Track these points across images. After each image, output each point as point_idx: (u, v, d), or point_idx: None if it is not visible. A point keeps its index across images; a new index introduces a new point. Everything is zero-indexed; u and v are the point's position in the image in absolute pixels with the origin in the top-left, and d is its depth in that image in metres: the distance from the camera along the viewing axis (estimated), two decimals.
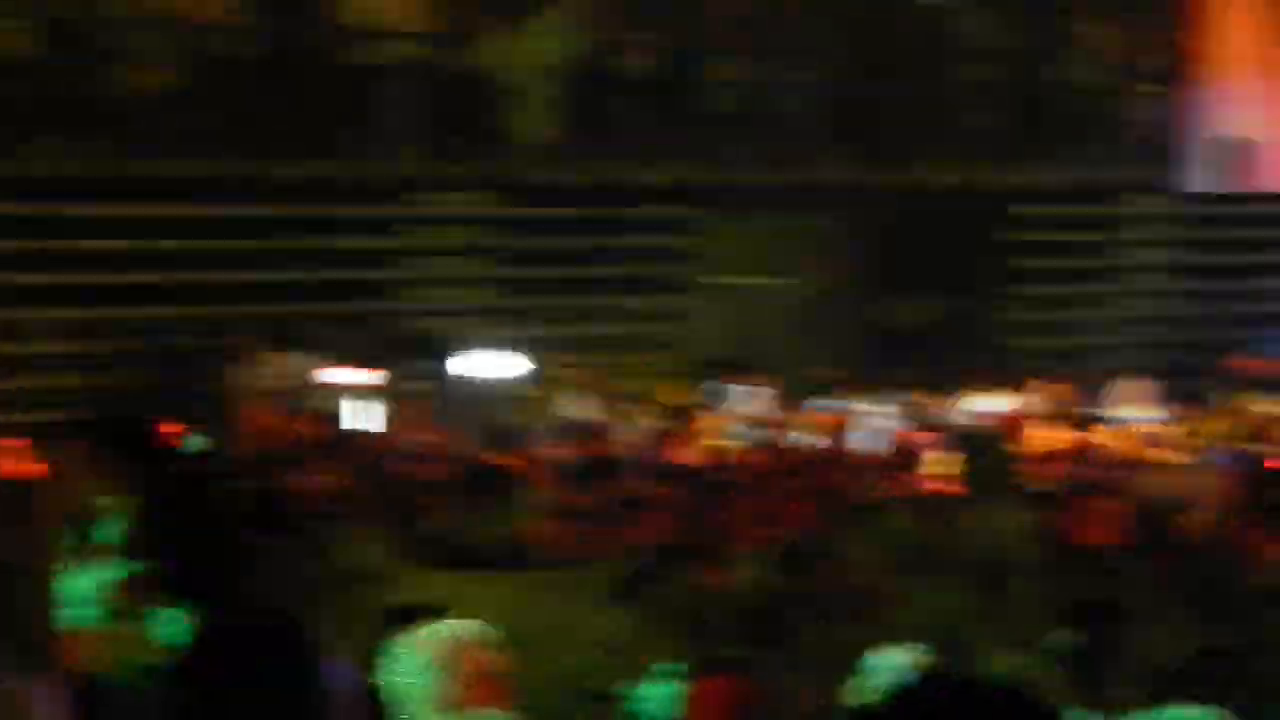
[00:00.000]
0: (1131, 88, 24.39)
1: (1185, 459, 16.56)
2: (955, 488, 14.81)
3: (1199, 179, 24.44)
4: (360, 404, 17.82)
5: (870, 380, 19.77)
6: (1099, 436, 17.32)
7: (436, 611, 6.09)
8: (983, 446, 16.09)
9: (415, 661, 5.06)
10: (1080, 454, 16.36)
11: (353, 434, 17.11)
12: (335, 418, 17.46)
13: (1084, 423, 18.17)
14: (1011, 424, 18.08)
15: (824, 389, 19.50)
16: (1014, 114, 23.36)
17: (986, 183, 23.25)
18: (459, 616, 5.47)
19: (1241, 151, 24.64)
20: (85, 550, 7.28)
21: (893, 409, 18.48)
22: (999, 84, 23.50)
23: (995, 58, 23.63)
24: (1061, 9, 24.14)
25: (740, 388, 19.40)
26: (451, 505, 14.00)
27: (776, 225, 21.98)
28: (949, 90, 23.24)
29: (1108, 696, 6.36)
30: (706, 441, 16.70)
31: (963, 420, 18.59)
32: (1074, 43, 24.21)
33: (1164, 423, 18.55)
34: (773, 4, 22.75)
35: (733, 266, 22.28)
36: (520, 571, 11.27)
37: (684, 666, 6.50)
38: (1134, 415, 19.17)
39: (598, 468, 14.81)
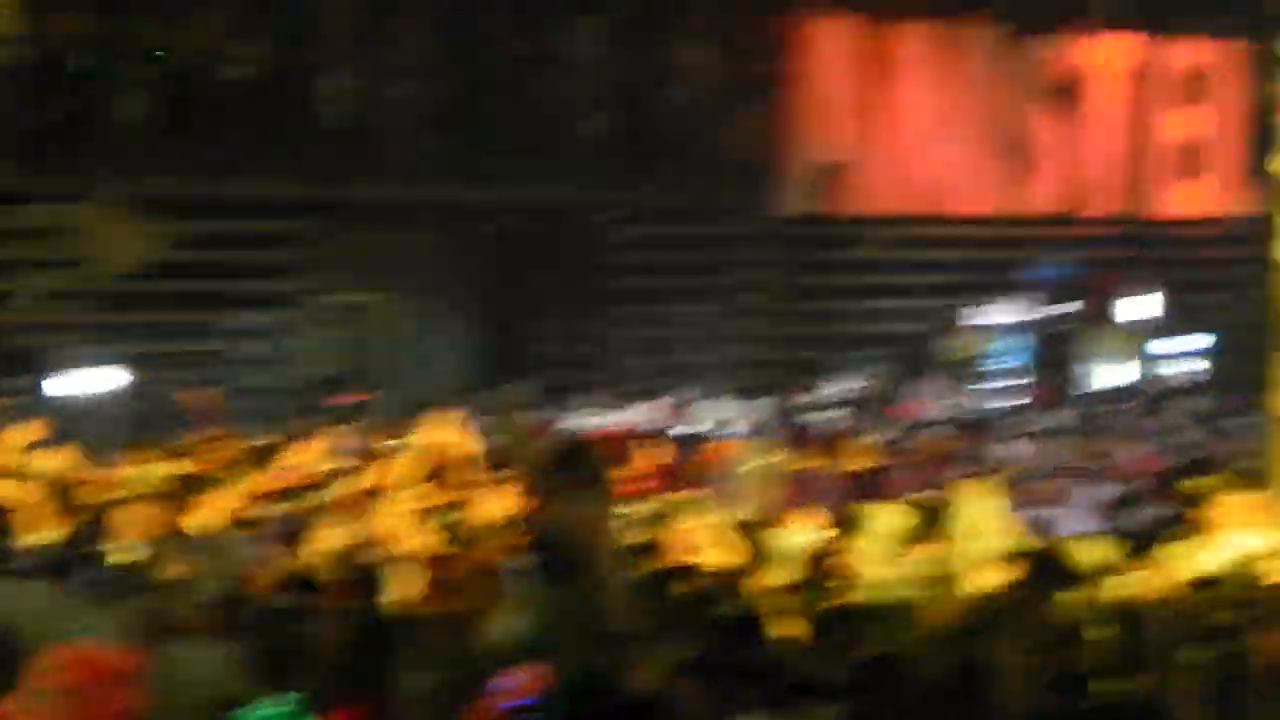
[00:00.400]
0: (731, 111, 24.87)
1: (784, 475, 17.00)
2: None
3: (795, 201, 25.12)
4: None
5: (479, 397, 19.88)
6: (697, 454, 17.69)
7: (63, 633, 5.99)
8: (581, 462, 16.24)
9: (40, 687, 4.97)
10: (677, 471, 16.66)
11: None
12: None
13: (681, 440, 18.55)
14: (613, 441, 18.34)
15: (434, 405, 19.52)
16: (618, 135, 23.67)
17: (591, 202, 23.56)
18: (66, 638, 5.38)
19: (835, 174, 25.39)
20: None
21: (502, 425, 18.58)
22: (602, 104, 23.78)
23: (599, 78, 23.90)
24: (664, 31, 24.53)
25: (351, 404, 19.34)
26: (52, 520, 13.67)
27: (387, 241, 21.97)
28: (553, 109, 23.47)
29: (727, 705, 6.57)
30: (313, 461, 16.59)
31: (565, 436, 18.79)
32: (675, 65, 24.61)
33: (759, 440, 19.01)
34: (380, 18, 22.73)
35: (343, 282, 22.21)
36: (120, 596, 11.02)
37: (301, 698, 6.53)
38: (732, 431, 19.67)
39: (195, 488, 14.57)
